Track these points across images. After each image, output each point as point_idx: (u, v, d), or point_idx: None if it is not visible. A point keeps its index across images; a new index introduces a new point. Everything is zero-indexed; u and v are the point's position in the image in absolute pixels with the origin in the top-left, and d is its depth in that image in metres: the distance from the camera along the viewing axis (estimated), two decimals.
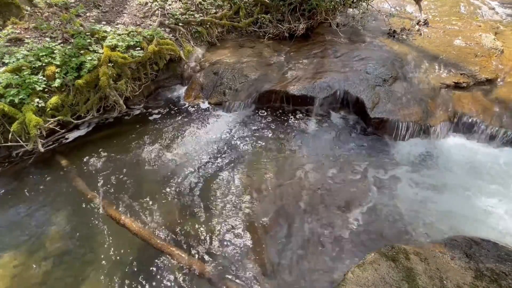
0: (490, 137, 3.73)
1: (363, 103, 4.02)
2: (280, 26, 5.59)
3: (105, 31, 4.36)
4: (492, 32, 5.13)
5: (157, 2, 5.37)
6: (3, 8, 4.27)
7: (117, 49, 4.15)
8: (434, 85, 4.22)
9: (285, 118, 4.26)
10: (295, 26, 5.50)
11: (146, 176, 3.41)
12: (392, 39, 5.23)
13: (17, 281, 2.47)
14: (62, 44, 4.04)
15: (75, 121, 3.87)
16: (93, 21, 4.70)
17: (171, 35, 4.96)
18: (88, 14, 4.84)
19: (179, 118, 4.32)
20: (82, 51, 3.95)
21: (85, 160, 3.59)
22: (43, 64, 3.69)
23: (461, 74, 4.30)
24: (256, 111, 4.39)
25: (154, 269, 2.57)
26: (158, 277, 2.51)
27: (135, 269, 2.57)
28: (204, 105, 4.53)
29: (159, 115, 4.39)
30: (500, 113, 3.82)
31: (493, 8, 6.39)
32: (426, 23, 5.50)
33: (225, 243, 2.77)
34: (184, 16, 5.29)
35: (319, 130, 4.06)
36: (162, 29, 4.94)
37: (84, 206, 3.08)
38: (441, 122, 3.84)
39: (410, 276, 2.27)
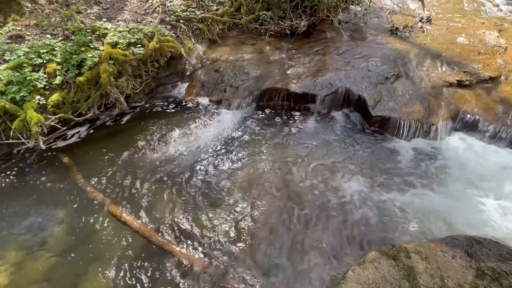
0: (493, 135, 3.70)
1: (364, 101, 4.00)
2: (282, 23, 5.55)
3: (106, 28, 4.35)
4: (496, 29, 5.08)
5: None
6: (4, 5, 4.26)
7: (118, 46, 4.14)
8: (436, 83, 4.19)
9: (286, 116, 4.25)
10: (296, 23, 5.46)
11: (148, 173, 3.42)
12: (394, 37, 5.18)
13: (18, 277, 2.49)
14: (63, 41, 4.03)
15: (76, 119, 3.87)
16: (93, 18, 4.69)
17: (172, 32, 4.94)
18: (88, 11, 4.83)
19: (180, 115, 4.31)
20: (83, 48, 3.95)
21: (86, 157, 3.60)
22: (44, 61, 3.69)
23: (464, 72, 4.26)
24: (257, 109, 4.38)
25: (155, 266, 2.58)
26: (159, 274, 2.52)
27: (136, 267, 2.58)
28: (205, 102, 4.52)
29: (160, 113, 4.38)
30: (503, 111, 3.79)
31: (497, 5, 6.31)
32: (429, 20, 5.45)
33: (226, 240, 2.77)
34: (185, 13, 5.26)
35: (320, 128, 4.04)
36: (163, 26, 4.92)
37: (85, 203, 3.09)
38: (443, 120, 3.81)
39: (410, 275, 2.27)
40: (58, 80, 3.65)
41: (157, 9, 5.18)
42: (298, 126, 4.09)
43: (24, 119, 3.38)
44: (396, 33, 5.25)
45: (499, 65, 4.35)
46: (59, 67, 3.71)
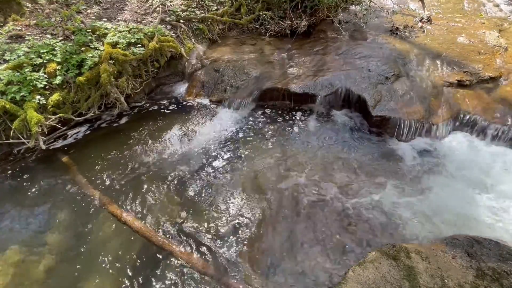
0: (493, 135, 3.70)
1: (365, 101, 4.00)
2: (282, 23, 5.55)
3: (106, 28, 4.35)
4: (496, 29, 5.08)
5: None
6: (4, 5, 4.26)
7: (118, 46, 4.14)
8: (436, 83, 4.19)
9: (286, 116, 4.24)
10: (296, 23, 5.46)
11: (148, 173, 3.42)
12: (394, 37, 5.18)
13: (18, 278, 2.49)
14: (63, 41, 4.03)
15: (76, 119, 3.87)
16: (94, 18, 4.68)
17: (172, 32, 4.94)
18: (89, 11, 4.83)
19: (180, 115, 4.31)
20: (83, 48, 3.95)
21: (86, 157, 3.59)
22: (44, 61, 3.69)
23: (464, 72, 4.26)
24: (257, 109, 4.38)
25: (155, 266, 2.58)
26: (159, 274, 2.52)
27: (136, 266, 2.58)
28: (205, 102, 4.52)
29: (160, 113, 4.38)
30: (503, 111, 3.78)
31: (498, 5, 6.31)
32: (429, 20, 5.45)
33: (226, 240, 2.77)
34: (185, 13, 5.26)
35: (320, 128, 4.04)
36: (163, 26, 4.92)
37: (85, 203, 3.09)
38: (443, 120, 3.81)
39: (411, 275, 2.27)
40: (58, 80, 3.64)
41: (157, 9, 5.18)
42: (298, 126, 4.08)
43: (24, 119, 3.38)
44: (396, 33, 5.25)
45: (499, 65, 4.35)
46: (59, 67, 3.71)
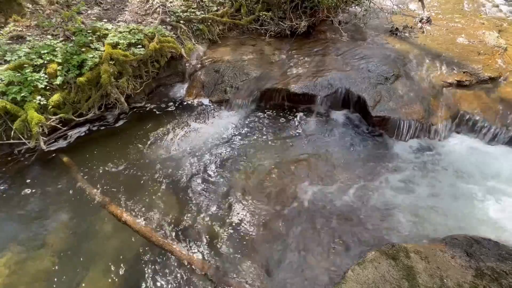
0: (492, 136, 3.71)
1: (364, 102, 4.00)
2: (282, 23, 5.56)
3: (107, 29, 4.36)
4: (495, 29, 5.08)
5: None
6: (4, 5, 4.28)
7: (119, 46, 4.15)
8: (436, 84, 4.19)
9: (286, 116, 4.25)
10: (296, 24, 5.47)
11: (148, 173, 3.43)
12: (394, 37, 5.19)
13: (18, 278, 2.50)
14: (63, 42, 4.04)
15: (77, 119, 3.88)
16: (94, 18, 4.70)
17: (172, 32, 4.95)
18: (89, 12, 4.85)
19: (180, 116, 4.32)
20: (83, 49, 3.96)
21: (86, 157, 3.61)
22: (45, 62, 3.70)
23: (464, 72, 4.26)
24: (257, 109, 4.39)
25: (155, 266, 2.58)
26: (159, 274, 2.53)
27: (136, 266, 2.58)
28: (205, 103, 4.53)
29: (160, 113, 4.39)
30: (503, 112, 3.79)
31: (497, 6, 6.32)
32: (428, 20, 5.45)
33: (225, 240, 2.78)
34: (185, 14, 5.27)
35: (320, 129, 4.05)
36: (164, 26, 4.93)
37: (85, 203, 3.10)
38: (443, 120, 3.82)
39: (410, 275, 2.28)
40: (58, 80, 3.66)
41: (158, 9, 5.19)
42: (298, 126, 4.09)
43: (25, 119, 3.39)
44: (396, 34, 5.26)
45: (498, 66, 4.36)
46: (59, 67, 3.72)
